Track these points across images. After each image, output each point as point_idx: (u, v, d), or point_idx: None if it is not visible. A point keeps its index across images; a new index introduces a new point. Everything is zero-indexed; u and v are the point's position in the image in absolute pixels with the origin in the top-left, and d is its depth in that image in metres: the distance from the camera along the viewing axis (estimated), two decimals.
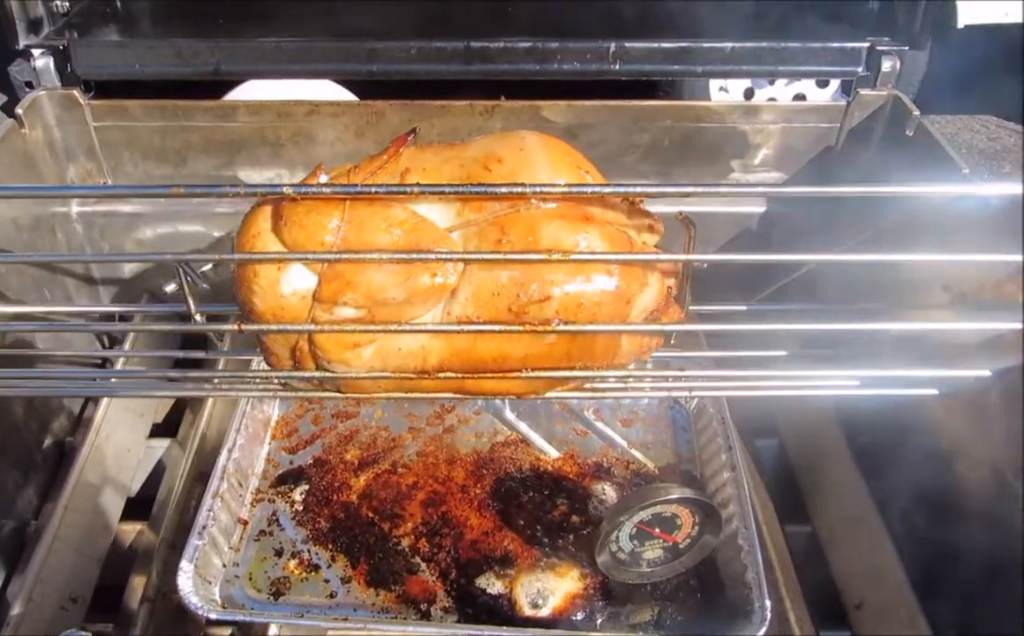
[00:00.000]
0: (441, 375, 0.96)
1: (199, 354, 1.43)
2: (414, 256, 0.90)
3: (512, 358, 0.95)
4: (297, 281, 0.93)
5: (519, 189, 0.87)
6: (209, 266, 1.10)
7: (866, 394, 1.12)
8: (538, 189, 0.88)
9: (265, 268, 0.92)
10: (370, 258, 0.89)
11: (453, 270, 0.92)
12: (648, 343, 1.06)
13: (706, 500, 1.17)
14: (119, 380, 1.57)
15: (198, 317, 1.01)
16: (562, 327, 0.92)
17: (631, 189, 0.92)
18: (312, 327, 0.92)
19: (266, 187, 0.91)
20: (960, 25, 3.93)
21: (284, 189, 0.87)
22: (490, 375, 0.96)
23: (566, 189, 0.91)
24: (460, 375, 0.95)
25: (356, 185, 0.91)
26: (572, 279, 0.92)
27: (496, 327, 0.91)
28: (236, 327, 0.94)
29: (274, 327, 0.93)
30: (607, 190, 0.92)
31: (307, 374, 1.01)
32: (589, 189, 0.91)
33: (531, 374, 0.95)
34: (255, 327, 0.93)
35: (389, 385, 1.00)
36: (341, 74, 2.01)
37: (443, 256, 0.91)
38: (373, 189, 0.88)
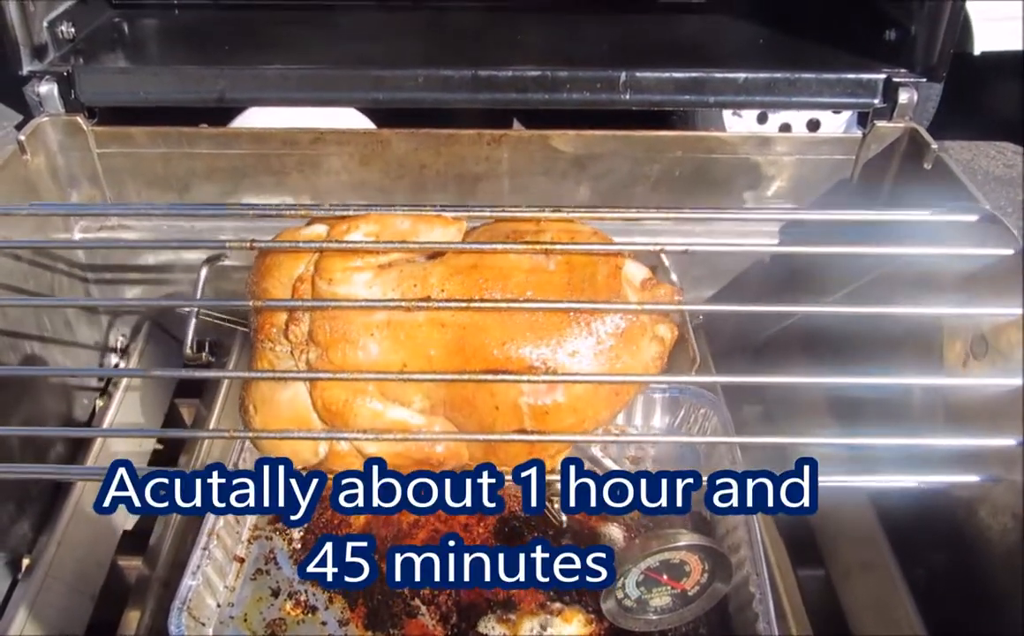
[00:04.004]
0: (442, 304, 0.99)
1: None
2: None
3: (514, 277, 1.01)
4: (315, 229, 1.05)
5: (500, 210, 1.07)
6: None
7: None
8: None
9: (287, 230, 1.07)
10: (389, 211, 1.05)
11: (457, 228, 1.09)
12: (655, 293, 1.08)
13: (716, 547, 1.13)
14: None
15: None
16: (560, 245, 1.02)
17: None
18: (324, 244, 1.02)
19: (304, 207, 1.04)
20: (976, 52, 3.89)
21: (317, 212, 1.05)
22: (495, 305, 0.99)
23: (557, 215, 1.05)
24: (464, 303, 0.98)
25: (379, 205, 1.07)
26: (565, 227, 1.07)
27: (497, 246, 1.02)
28: (248, 245, 1.00)
29: (287, 244, 1.02)
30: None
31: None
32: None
33: (536, 304, 0.99)
34: (268, 244, 1.01)
35: (385, 340, 1.00)
36: (346, 102, 1.99)
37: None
38: (395, 208, 1.05)
